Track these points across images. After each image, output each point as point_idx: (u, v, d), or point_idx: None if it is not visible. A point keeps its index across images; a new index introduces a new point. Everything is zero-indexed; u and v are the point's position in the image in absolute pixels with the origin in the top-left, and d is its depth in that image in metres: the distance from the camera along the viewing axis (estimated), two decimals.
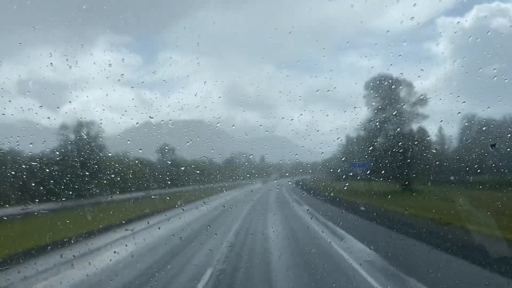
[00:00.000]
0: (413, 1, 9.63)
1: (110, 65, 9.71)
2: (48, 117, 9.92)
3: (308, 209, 21.44)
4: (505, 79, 8.49)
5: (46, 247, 10.47)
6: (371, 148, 15.92)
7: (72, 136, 14.62)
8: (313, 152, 12.31)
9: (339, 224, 15.47)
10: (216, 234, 14.76)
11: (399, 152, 13.67)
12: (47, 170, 9.81)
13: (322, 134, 11.40)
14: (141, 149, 10.70)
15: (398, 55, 10.94)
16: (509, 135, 10.36)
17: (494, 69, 8.69)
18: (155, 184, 11.81)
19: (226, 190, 15.30)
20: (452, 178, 15.10)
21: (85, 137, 14.27)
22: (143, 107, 12.25)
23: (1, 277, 8.76)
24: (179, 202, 11.95)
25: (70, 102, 11.90)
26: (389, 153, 14.32)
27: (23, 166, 9.67)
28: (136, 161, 10.96)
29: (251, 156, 12.32)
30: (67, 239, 11.00)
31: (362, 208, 15.21)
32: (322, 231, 14.62)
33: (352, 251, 11.31)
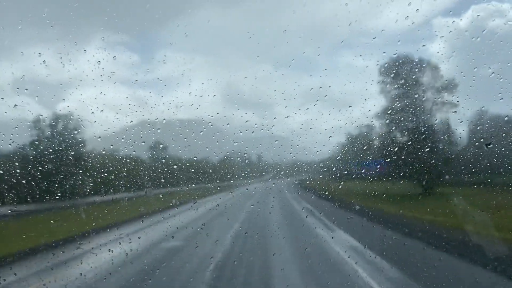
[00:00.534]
0: (408, 0, 9.61)
1: (104, 63, 9.62)
2: (41, 115, 9.85)
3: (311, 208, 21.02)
4: (501, 79, 8.49)
5: (39, 247, 10.39)
6: (385, 143, 14.07)
7: (65, 134, 14.52)
8: (308, 150, 12.28)
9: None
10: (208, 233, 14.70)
11: (421, 148, 11.62)
12: (40, 169, 9.73)
13: (318, 133, 11.37)
14: (134, 150, 10.61)
15: (393, 54, 10.94)
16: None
17: (490, 68, 8.70)
18: (150, 183, 11.74)
19: (220, 189, 15.17)
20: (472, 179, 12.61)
21: (77, 135, 14.15)
22: (138, 106, 12.18)
23: None
24: (173, 201, 11.88)
25: (64, 100, 11.82)
26: (407, 149, 12.13)
27: (16, 164, 9.60)
28: (128, 160, 10.87)
29: (245, 155, 12.24)
30: (61, 239, 10.93)
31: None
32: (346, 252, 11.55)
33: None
